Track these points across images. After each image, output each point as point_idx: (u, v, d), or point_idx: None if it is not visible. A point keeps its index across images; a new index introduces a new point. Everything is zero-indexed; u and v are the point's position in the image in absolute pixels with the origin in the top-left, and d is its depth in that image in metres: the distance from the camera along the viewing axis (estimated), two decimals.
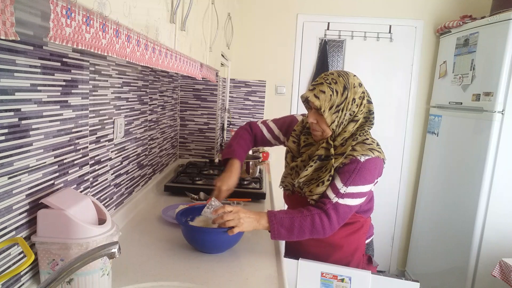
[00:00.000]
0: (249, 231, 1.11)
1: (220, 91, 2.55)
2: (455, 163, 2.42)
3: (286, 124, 1.40)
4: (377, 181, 1.18)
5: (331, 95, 1.12)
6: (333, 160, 1.14)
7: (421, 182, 2.91)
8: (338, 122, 1.14)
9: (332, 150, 1.15)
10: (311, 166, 1.18)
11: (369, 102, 1.17)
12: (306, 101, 1.20)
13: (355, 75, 1.17)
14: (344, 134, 1.15)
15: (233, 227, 1.06)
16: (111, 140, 1.25)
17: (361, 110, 1.15)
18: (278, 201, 1.78)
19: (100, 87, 1.13)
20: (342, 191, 1.10)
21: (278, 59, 2.90)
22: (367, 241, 1.30)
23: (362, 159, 1.10)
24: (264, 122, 1.47)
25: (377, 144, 1.16)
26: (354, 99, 1.13)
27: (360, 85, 1.16)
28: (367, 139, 1.15)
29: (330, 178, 1.13)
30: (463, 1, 2.74)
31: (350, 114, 1.14)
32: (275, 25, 2.86)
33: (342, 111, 1.13)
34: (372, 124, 1.17)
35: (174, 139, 2.25)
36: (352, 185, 1.09)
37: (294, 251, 1.28)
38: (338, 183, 1.11)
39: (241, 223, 1.07)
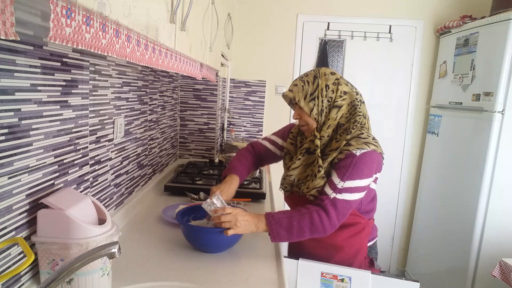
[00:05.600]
0: (247, 234, 1.11)
1: (220, 91, 2.55)
2: (455, 163, 2.42)
3: (287, 132, 1.41)
4: (377, 177, 1.18)
5: (303, 86, 1.19)
6: (318, 150, 1.15)
7: (421, 182, 2.91)
8: (317, 110, 1.17)
9: (317, 141, 1.16)
10: (299, 159, 1.22)
11: (354, 91, 1.19)
12: (288, 100, 1.26)
13: (328, 68, 1.23)
14: (329, 122, 1.16)
15: (229, 229, 1.07)
16: (111, 140, 1.25)
17: (340, 96, 1.16)
18: (278, 201, 1.78)
19: (100, 87, 1.13)
20: (339, 186, 1.09)
21: (278, 59, 2.90)
22: (370, 244, 1.30)
23: (358, 153, 1.10)
24: (265, 138, 1.49)
25: (373, 139, 1.16)
26: (327, 85, 1.17)
27: (333, 73, 1.20)
28: (362, 133, 1.14)
29: (321, 169, 1.13)
30: (463, 1, 2.74)
31: (328, 101, 1.16)
32: (275, 25, 2.86)
33: (318, 99, 1.16)
34: (360, 112, 1.16)
35: (174, 139, 2.25)
36: (349, 180, 1.09)
37: (296, 253, 1.28)
38: (335, 179, 1.11)
39: (238, 226, 1.07)
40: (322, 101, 1.16)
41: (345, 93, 1.17)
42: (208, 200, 1.15)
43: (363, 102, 1.19)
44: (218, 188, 1.24)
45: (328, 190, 1.11)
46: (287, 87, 2.90)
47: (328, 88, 1.16)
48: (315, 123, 1.18)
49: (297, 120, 1.24)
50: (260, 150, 1.46)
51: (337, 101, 1.16)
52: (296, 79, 1.22)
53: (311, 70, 1.22)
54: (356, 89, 1.21)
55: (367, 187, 1.14)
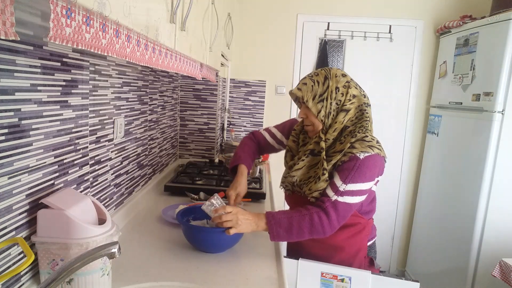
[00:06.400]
0: (248, 232, 1.11)
1: (220, 91, 2.55)
2: (455, 163, 2.42)
3: (288, 127, 1.41)
4: (378, 180, 1.18)
5: (312, 86, 1.16)
6: (323, 153, 1.14)
7: (421, 182, 2.91)
8: (325, 112, 1.15)
9: (322, 143, 1.15)
10: (303, 160, 1.21)
11: (362, 94, 1.18)
12: (295, 98, 1.24)
13: (339, 69, 1.21)
14: (335, 126, 1.15)
15: (230, 228, 1.07)
16: (111, 140, 1.25)
17: (349, 100, 1.15)
18: (278, 201, 1.78)
19: (100, 87, 1.13)
20: (341, 189, 1.09)
21: (278, 59, 2.90)
22: (369, 243, 1.30)
23: (361, 156, 1.09)
24: (267, 129, 1.50)
25: (377, 142, 1.15)
26: (337, 87, 1.15)
27: (344, 75, 1.18)
28: (367, 136, 1.13)
29: (325, 172, 1.12)
30: (463, 1, 2.74)
31: (337, 104, 1.15)
32: (275, 25, 2.86)
33: (326, 100, 1.15)
34: (368, 118, 1.16)
35: (174, 139, 2.25)
36: (351, 183, 1.09)
37: (296, 253, 1.28)
38: (337, 181, 1.10)
39: (239, 224, 1.07)
40: (330, 103, 1.15)
41: (354, 96, 1.15)
42: (207, 201, 1.15)
43: (370, 105, 1.18)
44: (231, 189, 1.28)
45: (329, 192, 1.11)
46: (287, 87, 2.91)
47: (338, 91, 1.15)
48: (321, 125, 1.17)
49: (302, 118, 1.23)
50: (259, 139, 1.48)
51: (346, 105, 1.14)
52: (305, 77, 1.20)
53: (321, 69, 1.20)
54: (364, 91, 1.20)
55: (369, 190, 1.14)
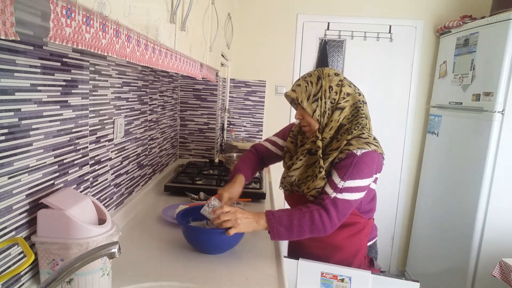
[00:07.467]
0: (248, 232, 1.11)
1: (220, 91, 2.55)
2: (455, 163, 2.42)
3: (287, 132, 1.42)
4: (377, 178, 1.18)
5: (306, 86, 1.18)
6: (319, 151, 1.15)
7: (421, 182, 2.91)
8: (320, 111, 1.16)
9: (319, 142, 1.16)
10: (300, 159, 1.21)
11: (356, 92, 1.18)
12: (290, 100, 1.25)
13: (331, 68, 1.22)
14: (331, 124, 1.16)
15: (230, 228, 1.06)
16: (111, 140, 1.25)
17: (343, 98, 1.16)
18: (278, 201, 1.78)
19: (100, 87, 1.13)
20: (340, 185, 1.09)
21: (278, 59, 2.90)
22: (369, 243, 1.30)
23: (358, 152, 1.10)
24: (267, 139, 1.51)
25: (374, 139, 1.16)
26: (330, 86, 1.16)
27: (337, 74, 1.19)
28: (363, 133, 1.14)
29: (322, 170, 1.13)
30: (463, 1, 2.74)
31: (331, 102, 1.16)
32: (275, 25, 2.86)
33: (321, 100, 1.16)
34: (363, 114, 1.16)
35: (174, 139, 2.26)
36: (349, 179, 1.09)
37: (296, 253, 1.28)
38: (336, 178, 1.11)
39: (238, 223, 1.06)
40: (325, 102, 1.16)
41: (348, 94, 1.16)
42: (206, 206, 1.15)
43: (365, 103, 1.19)
44: (223, 190, 1.26)
45: (328, 189, 1.11)
46: (287, 87, 2.91)
47: (332, 90, 1.16)
48: (317, 124, 1.18)
49: (299, 120, 1.24)
50: (262, 151, 1.48)
51: (340, 103, 1.16)
52: (299, 79, 1.22)
53: (314, 70, 1.22)
54: (358, 89, 1.20)
55: (367, 187, 1.14)
